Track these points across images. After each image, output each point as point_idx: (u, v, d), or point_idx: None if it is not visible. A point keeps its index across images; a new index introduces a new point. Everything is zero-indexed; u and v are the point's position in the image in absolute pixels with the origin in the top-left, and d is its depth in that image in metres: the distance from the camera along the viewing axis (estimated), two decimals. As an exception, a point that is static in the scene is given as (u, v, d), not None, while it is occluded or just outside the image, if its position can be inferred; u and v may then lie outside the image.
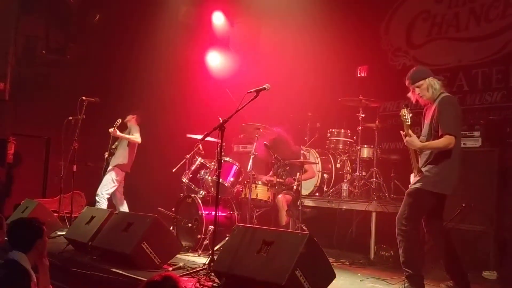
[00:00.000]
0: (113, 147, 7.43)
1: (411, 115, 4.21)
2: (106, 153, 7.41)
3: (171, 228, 6.17)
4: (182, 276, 4.35)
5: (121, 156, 7.33)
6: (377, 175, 6.61)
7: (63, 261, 5.07)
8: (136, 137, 7.31)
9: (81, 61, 9.06)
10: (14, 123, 8.48)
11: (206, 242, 5.78)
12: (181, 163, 6.65)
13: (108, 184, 7.21)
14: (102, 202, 7.12)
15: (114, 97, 8.42)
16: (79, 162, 7.29)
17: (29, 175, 9.03)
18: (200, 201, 6.06)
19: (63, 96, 8.51)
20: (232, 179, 6.23)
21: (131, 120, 7.54)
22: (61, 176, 7.14)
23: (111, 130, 7.22)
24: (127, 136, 7.33)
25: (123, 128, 7.50)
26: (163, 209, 6.15)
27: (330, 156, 7.20)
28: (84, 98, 7.17)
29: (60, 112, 7.67)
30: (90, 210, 6.03)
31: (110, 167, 7.30)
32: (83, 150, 7.43)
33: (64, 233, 6.11)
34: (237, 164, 6.30)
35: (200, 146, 6.59)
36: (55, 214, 7.03)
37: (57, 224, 6.75)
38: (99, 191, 7.18)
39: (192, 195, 6.21)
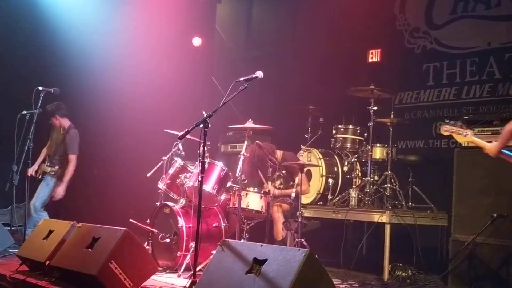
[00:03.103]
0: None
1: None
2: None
3: (146, 244, 6.16)
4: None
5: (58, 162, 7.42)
6: (392, 180, 6.62)
7: (15, 285, 5.05)
8: (72, 163, 7.31)
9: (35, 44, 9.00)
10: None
11: (187, 260, 5.76)
12: (157, 167, 6.63)
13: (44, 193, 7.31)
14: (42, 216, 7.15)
15: (76, 86, 8.38)
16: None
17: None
18: (180, 212, 6.05)
19: (15, 86, 8.47)
20: (217, 185, 6.21)
21: (61, 122, 7.53)
22: (14, 182, 7.09)
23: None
24: (68, 173, 7.33)
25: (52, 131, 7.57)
26: (135, 221, 6.13)
27: (336, 157, 7.20)
28: (40, 88, 7.14)
29: (11, 106, 7.63)
30: (48, 223, 6.00)
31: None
32: (41, 151, 7.40)
33: (16, 250, 6.07)
34: (224, 167, 6.29)
35: (180, 145, 6.57)
36: (6, 228, 7.00)
37: (9, 240, 6.72)
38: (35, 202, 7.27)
39: (171, 205, 6.20)
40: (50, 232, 5.62)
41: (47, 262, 5.21)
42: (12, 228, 7.26)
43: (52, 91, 7.26)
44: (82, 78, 8.59)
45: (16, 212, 7.33)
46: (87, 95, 8.47)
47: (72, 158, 7.37)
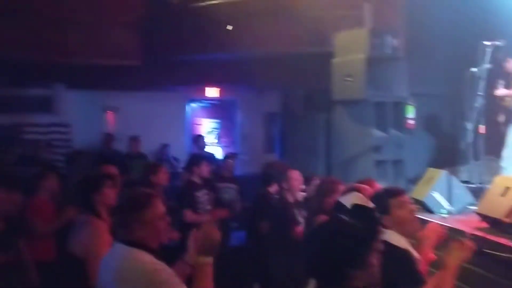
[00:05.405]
0: None
1: None
2: None
3: None
4: None
5: None
6: None
7: (475, 241, 5.07)
8: None
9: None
10: (410, 83, 9.00)
11: None
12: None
13: None
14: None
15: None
16: (490, 122, 7.22)
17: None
18: None
19: (460, 43, 8.49)
20: None
21: None
22: (468, 140, 7.15)
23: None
24: None
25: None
26: None
27: None
28: (486, 42, 6.99)
29: (458, 63, 7.68)
30: (504, 180, 5.88)
31: None
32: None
33: (475, 208, 6.15)
34: None
35: None
36: (466, 185, 7.11)
37: (468, 197, 6.83)
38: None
39: None
40: (507, 188, 5.47)
41: (506, 219, 5.12)
42: (471, 186, 7.33)
43: (499, 44, 7.03)
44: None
45: (474, 169, 7.38)
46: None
47: None
